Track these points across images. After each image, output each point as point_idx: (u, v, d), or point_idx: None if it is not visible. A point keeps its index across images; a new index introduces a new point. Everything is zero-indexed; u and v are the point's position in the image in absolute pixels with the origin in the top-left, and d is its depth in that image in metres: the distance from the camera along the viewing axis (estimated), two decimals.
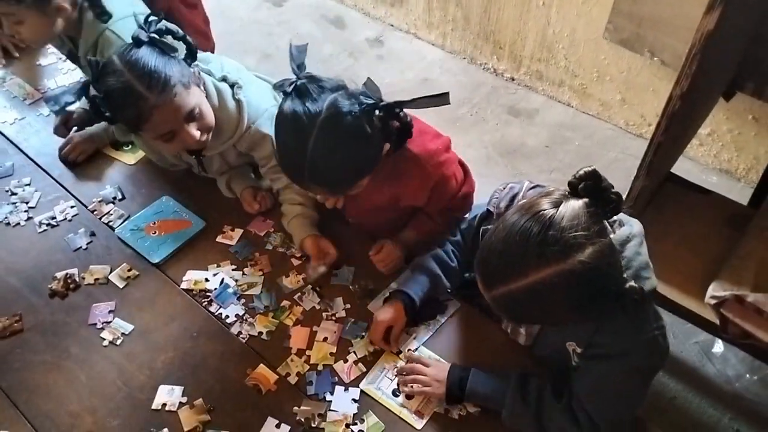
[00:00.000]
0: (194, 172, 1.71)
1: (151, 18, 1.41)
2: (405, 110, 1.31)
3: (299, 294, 1.46)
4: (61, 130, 1.84)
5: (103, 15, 1.68)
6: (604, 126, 2.95)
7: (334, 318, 1.42)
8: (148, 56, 1.35)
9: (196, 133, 1.42)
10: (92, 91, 1.38)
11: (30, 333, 1.41)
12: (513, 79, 3.18)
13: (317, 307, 1.44)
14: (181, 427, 1.25)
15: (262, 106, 1.54)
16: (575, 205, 0.96)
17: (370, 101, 1.23)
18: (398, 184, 1.42)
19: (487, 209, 1.36)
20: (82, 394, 1.30)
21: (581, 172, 0.98)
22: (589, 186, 0.97)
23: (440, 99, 1.23)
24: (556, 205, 0.97)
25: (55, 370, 1.34)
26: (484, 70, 3.23)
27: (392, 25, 3.50)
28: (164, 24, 1.42)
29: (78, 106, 1.91)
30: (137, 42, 1.36)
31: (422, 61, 3.27)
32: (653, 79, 2.62)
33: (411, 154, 1.38)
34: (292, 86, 1.23)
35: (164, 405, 1.28)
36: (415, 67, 3.27)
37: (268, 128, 1.53)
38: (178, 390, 1.30)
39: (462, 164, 1.57)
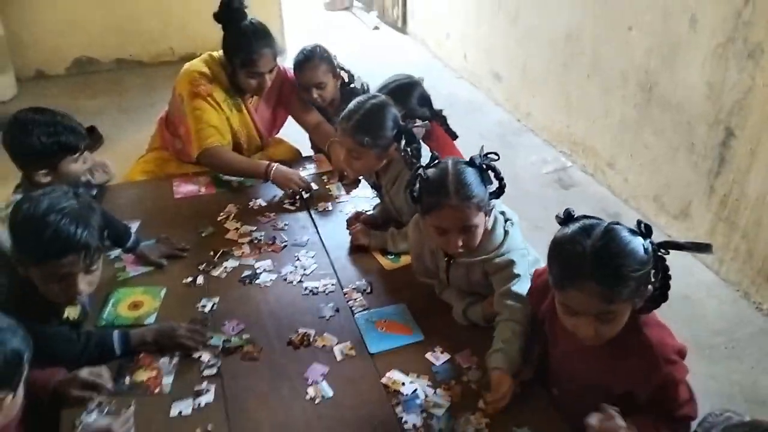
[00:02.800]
0: (435, 292, 1.96)
1: (489, 153, 1.73)
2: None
3: None
4: (352, 222, 2.31)
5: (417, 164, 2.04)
6: None
7: None
8: (471, 173, 1.68)
9: (459, 242, 1.70)
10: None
11: (261, 364, 1.73)
12: None
13: None
14: None
15: (519, 245, 1.80)
16: None
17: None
18: (620, 361, 1.42)
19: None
20: (274, 430, 1.54)
21: None
22: None
23: (704, 248, 1.26)
24: None
25: (264, 400, 1.62)
26: (757, 309, 2.97)
27: (669, 236, 3.46)
28: (492, 162, 1.73)
29: (372, 212, 2.38)
30: (471, 162, 1.70)
31: (689, 278, 3.15)
32: None
33: (645, 338, 1.39)
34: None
35: None
36: (680, 281, 3.12)
37: (516, 260, 1.76)
38: None
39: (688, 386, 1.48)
